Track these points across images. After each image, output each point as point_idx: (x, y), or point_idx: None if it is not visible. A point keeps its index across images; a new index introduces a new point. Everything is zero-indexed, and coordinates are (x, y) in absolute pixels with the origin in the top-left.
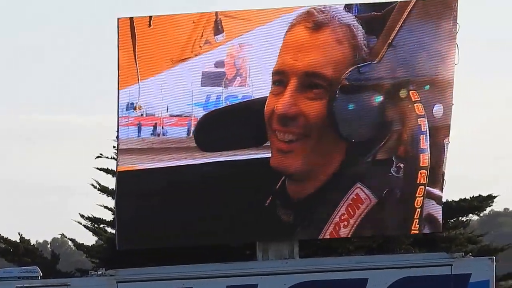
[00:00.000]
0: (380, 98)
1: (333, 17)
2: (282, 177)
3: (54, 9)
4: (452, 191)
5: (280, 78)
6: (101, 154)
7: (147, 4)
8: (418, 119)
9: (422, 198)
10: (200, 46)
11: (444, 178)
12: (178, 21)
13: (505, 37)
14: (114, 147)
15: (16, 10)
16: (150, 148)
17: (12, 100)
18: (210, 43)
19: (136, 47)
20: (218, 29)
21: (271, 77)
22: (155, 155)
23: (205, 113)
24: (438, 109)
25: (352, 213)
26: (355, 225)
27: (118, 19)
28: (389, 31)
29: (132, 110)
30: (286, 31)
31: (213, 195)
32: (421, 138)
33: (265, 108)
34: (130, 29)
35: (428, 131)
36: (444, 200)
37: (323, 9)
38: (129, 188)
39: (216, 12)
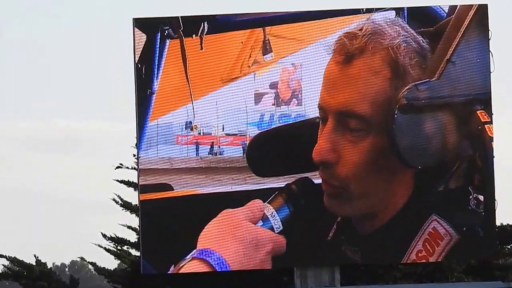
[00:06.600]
0: (444, 119)
1: (366, 44)
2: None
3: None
4: (506, 213)
5: (321, 113)
6: (121, 164)
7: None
8: (491, 143)
9: None
10: (249, 66)
11: (495, 199)
12: (226, 41)
13: None
14: (134, 155)
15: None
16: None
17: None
18: (258, 63)
19: (188, 67)
20: (266, 49)
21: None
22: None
23: (257, 133)
24: None
25: (431, 251)
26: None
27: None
28: (446, 47)
29: (189, 129)
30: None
31: None
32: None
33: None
34: (180, 50)
35: None
36: (498, 223)
37: (357, 32)
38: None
39: (263, 29)
